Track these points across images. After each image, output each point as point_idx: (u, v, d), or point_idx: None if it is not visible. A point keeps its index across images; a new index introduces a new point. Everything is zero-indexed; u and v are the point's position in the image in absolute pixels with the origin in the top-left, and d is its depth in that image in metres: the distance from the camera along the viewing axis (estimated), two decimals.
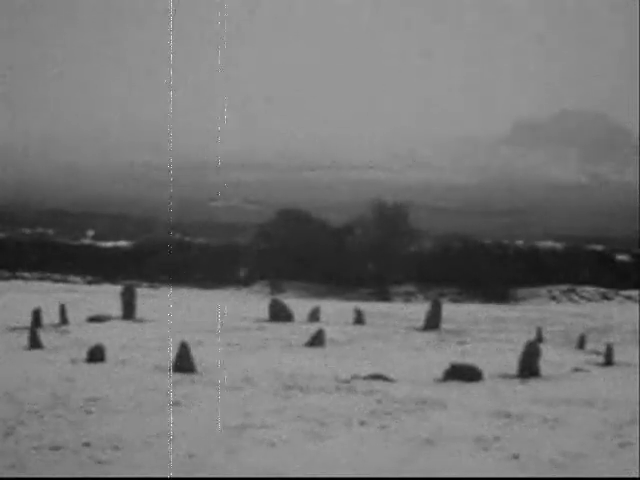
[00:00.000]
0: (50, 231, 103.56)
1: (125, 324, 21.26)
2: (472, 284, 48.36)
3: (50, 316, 20.80)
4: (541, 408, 11.35)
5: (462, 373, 13.59)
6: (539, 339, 19.84)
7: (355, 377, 13.53)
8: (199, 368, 13.82)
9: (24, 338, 16.85)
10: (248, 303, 34.92)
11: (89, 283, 51.20)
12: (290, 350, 17.28)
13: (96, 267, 55.94)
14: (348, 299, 43.31)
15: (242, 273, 53.35)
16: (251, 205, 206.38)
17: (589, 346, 19.21)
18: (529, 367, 14.27)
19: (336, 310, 28.34)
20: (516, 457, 8.73)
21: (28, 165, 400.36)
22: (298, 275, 50.85)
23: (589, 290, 48.28)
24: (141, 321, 22.07)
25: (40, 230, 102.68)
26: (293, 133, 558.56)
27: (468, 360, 15.13)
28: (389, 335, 20.81)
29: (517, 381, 13.78)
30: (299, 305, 27.56)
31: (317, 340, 18.12)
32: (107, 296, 32.31)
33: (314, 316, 24.27)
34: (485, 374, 13.78)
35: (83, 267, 56.32)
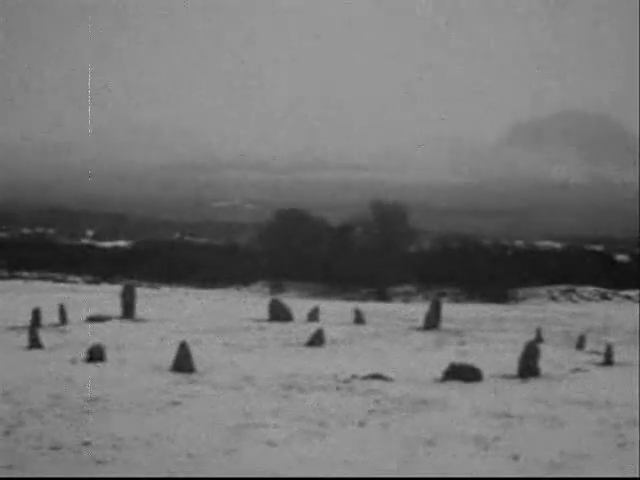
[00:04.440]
0: (50, 231, 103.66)
1: (125, 324, 21.23)
2: (472, 284, 48.35)
3: (50, 316, 20.79)
4: (541, 408, 11.34)
5: (462, 373, 13.58)
6: (539, 339, 19.84)
7: (355, 377, 13.53)
8: (199, 368, 13.81)
9: (24, 338, 16.84)
10: (248, 303, 34.91)
11: (89, 282, 51.21)
12: (290, 350, 17.27)
13: (96, 267, 55.97)
14: (348, 299, 43.32)
15: (242, 273, 53.32)
16: (251, 205, 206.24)
17: (589, 346, 19.19)
18: (529, 367, 14.25)
19: (336, 310, 28.33)
20: (516, 457, 8.72)
21: (28, 165, 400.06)
22: (298, 275, 50.84)
23: (589, 290, 48.29)
24: (141, 321, 22.05)
25: (40, 230, 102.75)
26: (293, 133, 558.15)
27: (468, 360, 15.10)
28: (389, 335, 20.80)
29: (517, 381, 13.77)
30: (299, 305, 27.55)
31: (317, 340, 18.12)
32: (107, 296, 32.31)
33: (314, 316, 24.26)
34: (485, 374, 13.76)
35: (83, 267, 56.36)
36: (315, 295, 46.48)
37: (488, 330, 23.39)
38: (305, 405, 11.13)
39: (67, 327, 20.07)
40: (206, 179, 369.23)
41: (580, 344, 19.19)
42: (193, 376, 13.27)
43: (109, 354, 14.89)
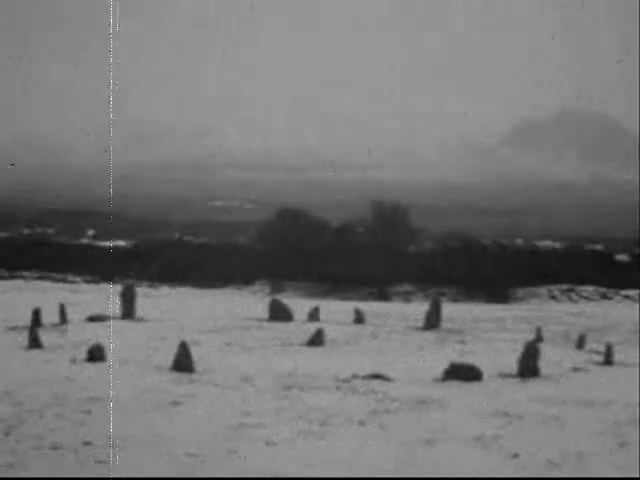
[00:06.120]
0: (50, 230, 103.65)
1: (125, 323, 21.24)
2: (472, 284, 48.34)
3: (50, 315, 20.80)
4: (541, 408, 11.35)
5: (462, 373, 13.58)
6: (539, 339, 19.85)
7: (355, 376, 13.53)
8: (198, 368, 13.81)
9: (24, 337, 16.84)
10: (248, 302, 34.93)
11: (88, 282, 51.19)
12: (290, 349, 17.27)
13: (96, 266, 55.93)
14: (348, 299, 43.30)
15: (241, 272, 53.29)
16: (251, 205, 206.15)
17: (589, 346, 19.21)
18: (529, 367, 14.26)
19: (336, 309, 28.34)
20: (516, 457, 8.72)
21: (28, 165, 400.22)
22: (298, 275, 50.81)
23: (589, 290, 48.29)
24: (140, 320, 22.06)
25: (40, 230, 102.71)
26: (294, 133, 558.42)
27: (468, 360, 15.12)
28: (389, 335, 20.80)
29: (517, 381, 13.78)
30: (299, 305, 27.56)
31: (317, 339, 18.12)
32: (107, 295, 32.32)
33: (314, 316, 24.27)
34: (485, 374, 13.77)
35: (83, 266, 56.32)
36: (315, 295, 46.46)
37: (488, 330, 23.40)
38: (305, 405, 11.13)
39: (67, 327, 20.08)
40: (206, 179, 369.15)
41: (580, 344, 19.20)
42: (193, 376, 13.27)
43: (109, 354, 14.90)
